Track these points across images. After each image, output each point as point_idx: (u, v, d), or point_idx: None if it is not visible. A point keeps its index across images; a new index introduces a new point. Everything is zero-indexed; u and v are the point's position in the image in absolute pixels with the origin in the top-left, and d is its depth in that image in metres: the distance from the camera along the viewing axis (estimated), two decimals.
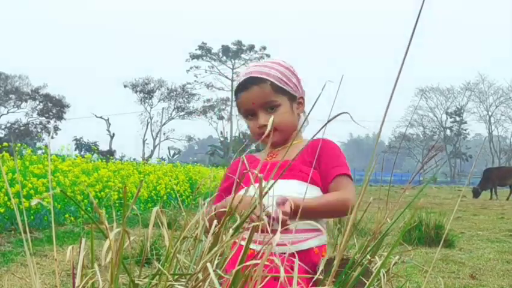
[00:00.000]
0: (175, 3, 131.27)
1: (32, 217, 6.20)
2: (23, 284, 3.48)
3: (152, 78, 50.43)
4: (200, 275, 0.88)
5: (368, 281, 1.02)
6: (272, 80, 1.44)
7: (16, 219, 4.53)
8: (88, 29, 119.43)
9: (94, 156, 12.14)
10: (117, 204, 7.81)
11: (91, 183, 7.87)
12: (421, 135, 58.49)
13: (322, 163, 1.42)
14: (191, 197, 11.84)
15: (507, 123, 56.66)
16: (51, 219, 6.21)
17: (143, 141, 50.54)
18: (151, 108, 51.07)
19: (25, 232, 0.98)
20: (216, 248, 0.89)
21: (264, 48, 51.34)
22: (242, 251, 0.89)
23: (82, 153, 34.28)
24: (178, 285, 0.89)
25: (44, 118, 46.61)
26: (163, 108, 51.64)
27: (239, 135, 48.99)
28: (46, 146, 13.66)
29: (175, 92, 51.17)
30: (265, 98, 1.45)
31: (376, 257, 1.10)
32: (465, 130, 56.83)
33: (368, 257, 1.06)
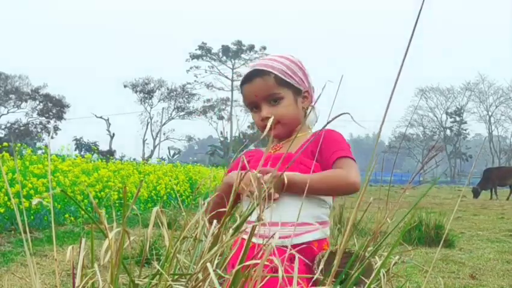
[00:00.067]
0: (175, 3, 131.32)
1: (32, 217, 6.20)
2: (23, 284, 3.48)
3: (152, 78, 50.49)
4: (200, 275, 0.88)
5: (368, 280, 1.02)
6: (276, 73, 1.45)
7: (16, 219, 4.53)
8: (88, 29, 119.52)
9: (94, 156, 12.14)
10: (117, 204, 7.81)
11: (91, 183, 7.87)
12: (421, 135, 58.49)
13: (323, 152, 1.39)
14: (191, 197, 11.83)
15: (507, 123, 56.72)
16: (51, 219, 6.21)
17: (143, 141, 50.56)
18: (151, 108, 51.12)
19: (25, 232, 0.98)
20: (215, 248, 0.90)
21: (264, 48, 51.34)
22: (242, 251, 0.90)
23: (82, 153, 34.28)
24: (178, 285, 0.89)
25: (44, 118, 46.61)
26: (163, 108, 51.70)
27: (239, 135, 49.01)
28: (46, 146, 13.66)
29: (175, 92, 51.17)
30: (268, 91, 1.45)
31: (376, 257, 1.10)
32: (465, 130, 56.84)
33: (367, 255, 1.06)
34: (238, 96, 51.94)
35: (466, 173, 53.35)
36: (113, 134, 46.14)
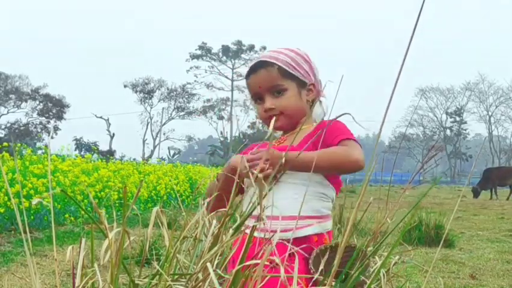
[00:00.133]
0: (175, 3, 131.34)
1: (32, 217, 6.20)
2: (23, 284, 3.48)
3: (152, 78, 50.49)
4: (200, 275, 0.88)
5: (368, 280, 1.02)
6: (280, 64, 1.45)
7: (16, 219, 4.53)
8: (88, 29, 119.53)
9: (94, 156, 12.14)
10: (117, 204, 7.81)
11: (91, 183, 7.87)
12: (421, 135, 58.48)
13: (326, 139, 1.36)
14: (191, 197, 11.84)
15: (507, 123, 56.71)
16: (51, 219, 6.20)
17: (143, 141, 50.57)
18: (151, 108, 51.13)
19: (25, 232, 0.98)
20: (215, 248, 0.89)
21: (264, 48, 51.27)
22: (244, 247, 0.89)
23: (82, 153, 34.28)
24: (178, 285, 0.89)
25: (44, 118, 46.61)
26: (163, 108, 51.70)
27: (239, 135, 49.01)
28: (46, 146, 13.66)
29: (175, 92, 51.17)
30: (271, 82, 1.45)
31: (376, 257, 1.10)
32: (465, 130, 56.84)
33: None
34: (238, 96, 52.00)
35: (466, 173, 53.34)
36: (113, 134, 46.17)
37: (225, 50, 51.86)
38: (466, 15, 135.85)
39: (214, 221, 0.96)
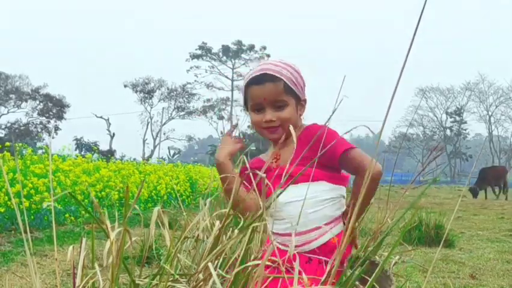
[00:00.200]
0: (175, 3, 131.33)
1: (32, 217, 6.20)
2: (24, 284, 3.48)
3: (153, 78, 50.48)
4: (201, 275, 0.88)
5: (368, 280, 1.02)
6: (285, 80, 1.51)
7: (16, 219, 4.52)
8: (88, 29, 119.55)
9: (95, 156, 12.13)
10: (117, 204, 7.81)
11: (91, 183, 7.87)
12: (421, 135, 58.48)
13: (324, 147, 1.41)
14: (191, 196, 11.84)
15: (507, 123, 56.71)
16: (51, 219, 6.21)
17: (144, 141, 50.57)
18: (151, 108, 51.13)
19: (25, 232, 0.98)
20: (217, 249, 0.90)
21: (264, 48, 51.34)
22: (242, 252, 0.90)
23: (83, 153, 34.27)
24: (179, 285, 0.89)
25: (44, 118, 46.60)
26: (163, 108, 51.70)
27: (239, 135, 48.82)
28: (47, 145, 13.67)
29: (175, 92, 51.17)
30: (276, 96, 1.51)
31: (376, 257, 1.10)
32: (465, 130, 56.85)
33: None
34: (238, 96, 51.95)
35: (466, 173, 53.31)
36: (113, 134, 46.16)
37: (225, 50, 51.85)
38: (466, 15, 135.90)
39: (217, 222, 0.96)
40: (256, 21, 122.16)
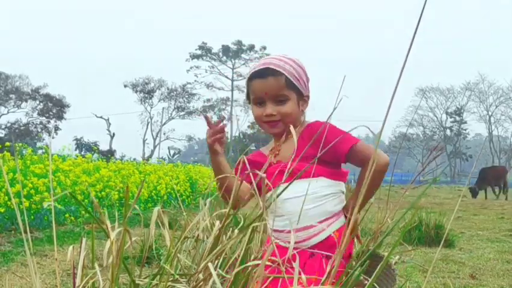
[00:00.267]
0: (175, 3, 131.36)
1: (32, 217, 6.21)
2: (24, 284, 3.48)
3: (153, 78, 50.51)
4: (201, 275, 0.88)
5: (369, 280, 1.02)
6: (287, 75, 1.52)
7: (16, 219, 4.52)
8: (88, 29, 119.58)
9: (95, 156, 12.13)
10: (117, 204, 7.81)
11: (91, 183, 7.87)
12: (421, 135, 58.49)
13: (327, 144, 1.41)
14: (191, 196, 11.84)
15: (507, 123, 56.71)
16: (51, 219, 6.21)
17: (144, 141, 50.58)
18: (151, 108, 51.16)
19: (25, 232, 0.98)
20: (217, 249, 0.90)
21: (264, 48, 51.34)
22: (242, 252, 0.90)
23: (83, 153, 34.28)
24: (179, 285, 0.89)
25: (44, 118, 46.62)
26: (163, 108, 51.72)
27: (239, 135, 49.05)
28: (47, 145, 13.67)
29: (175, 92, 51.19)
30: (278, 91, 1.52)
31: (380, 252, 1.10)
32: (465, 130, 56.86)
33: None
34: (238, 96, 51.99)
35: (466, 173, 53.33)
36: (113, 134, 46.18)
37: (225, 50, 51.87)
38: (466, 15, 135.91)
39: (217, 222, 0.96)
40: (256, 21, 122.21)
